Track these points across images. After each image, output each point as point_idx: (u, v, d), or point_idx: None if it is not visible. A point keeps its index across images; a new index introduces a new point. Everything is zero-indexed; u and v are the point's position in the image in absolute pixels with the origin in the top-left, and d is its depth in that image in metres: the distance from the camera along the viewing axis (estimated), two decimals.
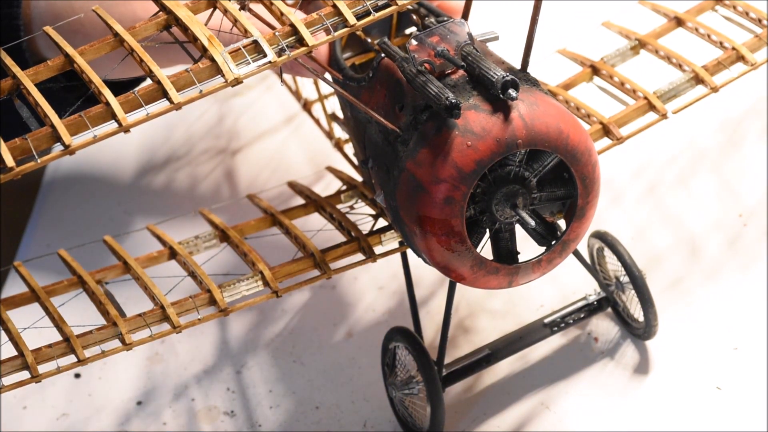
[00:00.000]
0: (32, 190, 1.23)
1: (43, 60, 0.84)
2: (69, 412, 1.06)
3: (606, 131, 0.97)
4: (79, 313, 0.91)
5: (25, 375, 0.85)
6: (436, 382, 0.93)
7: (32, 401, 1.07)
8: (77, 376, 1.08)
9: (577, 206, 0.86)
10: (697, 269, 1.08)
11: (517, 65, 0.89)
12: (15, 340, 0.86)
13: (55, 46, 0.83)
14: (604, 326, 1.03)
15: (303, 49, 0.83)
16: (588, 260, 1.01)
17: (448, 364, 0.96)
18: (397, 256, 0.96)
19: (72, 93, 0.98)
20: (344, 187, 1.03)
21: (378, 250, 0.94)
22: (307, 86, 1.19)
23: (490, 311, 1.06)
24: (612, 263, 1.01)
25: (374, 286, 1.10)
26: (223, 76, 0.80)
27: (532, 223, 0.85)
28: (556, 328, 0.99)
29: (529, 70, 0.89)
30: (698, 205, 1.13)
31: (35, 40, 1.05)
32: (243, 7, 0.86)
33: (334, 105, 1.12)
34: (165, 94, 0.80)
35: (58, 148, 0.78)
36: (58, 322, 0.88)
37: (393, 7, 0.84)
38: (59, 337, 0.87)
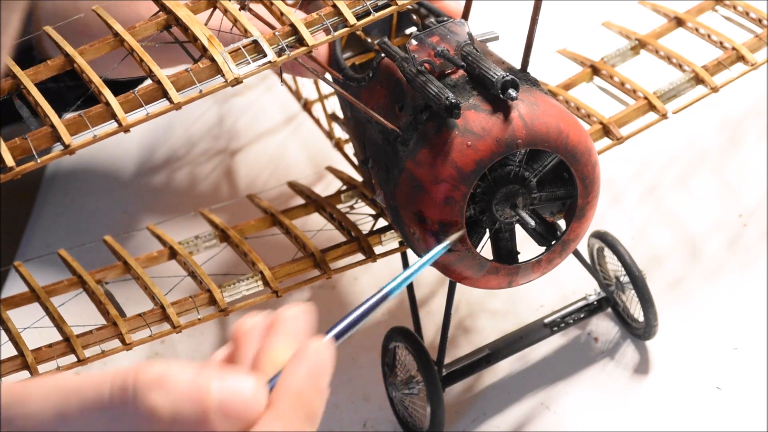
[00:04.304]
0: (32, 190, 1.23)
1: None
2: None
3: (606, 131, 0.97)
4: (79, 313, 0.91)
5: (25, 375, 0.85)
6: (436, 382, 0.93)
7: None
8: None
9: (577, 206, 0.86)
10: (697, 269, 1.08)
11: (517, 65, 0.89)
12: (15, 340, 0.86)
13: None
14: (604, 326, 1.03)
15: (303, 49, 0.83)
16: (588, 260, 1.01)
17: (448, 364, 0.96)
18: (397, 256, 0.96)
19: (75, 92, 0.98)
20: (344, 187, 1.03)
21: (378, 250, 0.94)
22: (307, 86, 1.19)
23: (490, 311, 1.06)
24: (612, 263, 1.01)
25: (374, 286, 1.10)
26: (223, 76, 0.80)
27: (532, 223, 0.85)
28: (556, 328, 0.99)
29: (529, 70, 0.88)
30: (698, 205, 1.12)
31: (42, 41, 1.05)
32: (243, 7, 0.86)
33: (334, 105, 1.12)
34: (165, 94, 0.80)
35: (58, 147, 0.78)
36: (58, 322, 0.88)
37: (393, 7, 0.84)
38: (59, 337, 0.87)
